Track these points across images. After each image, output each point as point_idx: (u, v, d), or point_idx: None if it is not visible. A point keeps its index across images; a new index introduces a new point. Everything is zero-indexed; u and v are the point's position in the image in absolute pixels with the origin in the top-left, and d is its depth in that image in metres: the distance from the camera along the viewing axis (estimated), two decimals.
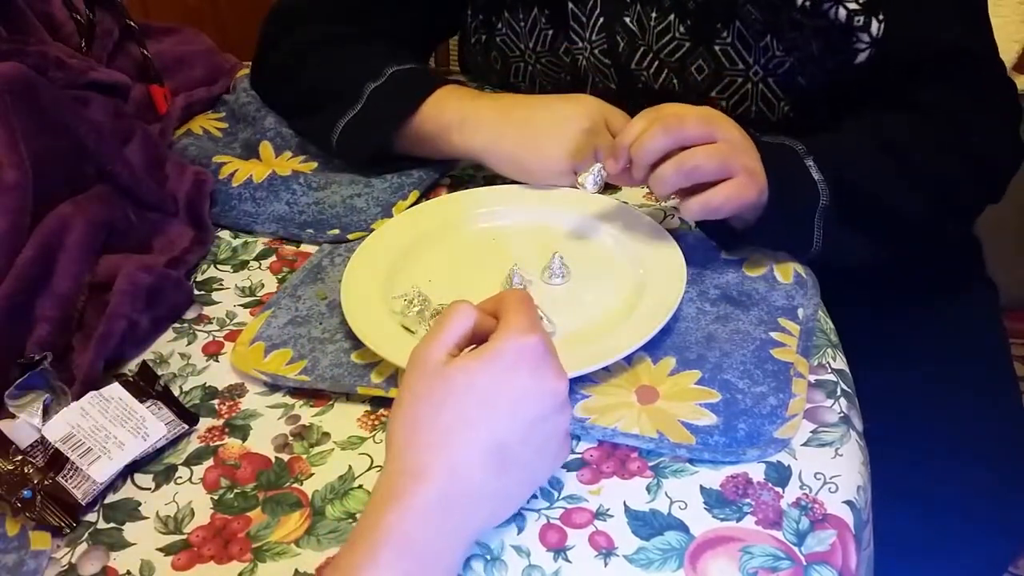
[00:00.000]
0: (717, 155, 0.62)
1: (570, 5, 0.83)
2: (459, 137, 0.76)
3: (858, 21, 0.70)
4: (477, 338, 0.49)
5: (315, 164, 0.82)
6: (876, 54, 0.71)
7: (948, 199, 0.72)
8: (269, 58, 0.88)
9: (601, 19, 0.83)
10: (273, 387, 0.62)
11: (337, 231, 0.76)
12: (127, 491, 0.55)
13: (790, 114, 0.80)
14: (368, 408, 0.60)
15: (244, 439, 0.58)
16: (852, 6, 0.69)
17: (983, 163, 0.73)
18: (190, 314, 0.70)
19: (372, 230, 0.74)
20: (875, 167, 0.69)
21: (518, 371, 0.46)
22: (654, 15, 0.80)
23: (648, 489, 0.52)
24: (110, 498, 0.55)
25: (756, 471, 0.53)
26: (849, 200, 0.67)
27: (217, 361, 0.65)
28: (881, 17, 0.69)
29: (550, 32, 0.88)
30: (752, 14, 0.75)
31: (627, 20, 0.82)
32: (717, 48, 0.78)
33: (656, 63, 0.83)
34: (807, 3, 0.70)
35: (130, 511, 0.54)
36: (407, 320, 0.63)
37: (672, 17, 0.79)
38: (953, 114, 0.71)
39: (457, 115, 0.76)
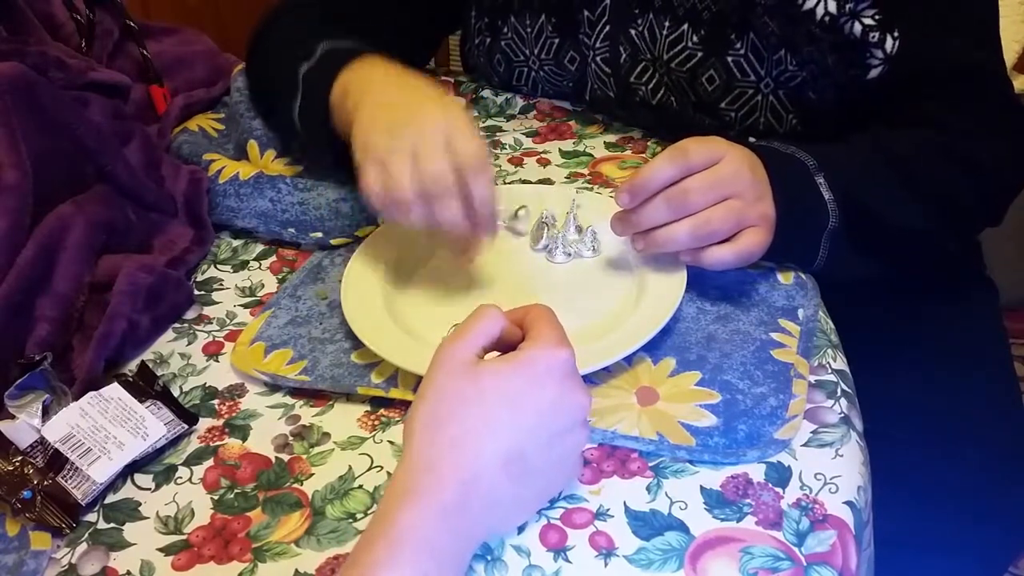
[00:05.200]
0: (733, 217, 0.61)
1: (584, 12, 0.83)
2: (350, 102, 0.67)
3: (873, 37, 0.69)
4: (499, 346, 0.49)
5: (300, 168, 0.81)
6: (888, 71, 0.71)
7: (952, 219, 0.72)
8: (250, 59, 0.87)
9: (608, 27, 0.83)
10: (273, 387, 0.62)
11: (320, 234, 0.74)
12: (127, 491, 0.55)
13: (798, 127, 0.80)
14: (368, 408, 0.60)
15: (244, 439, 0.58)
16: (868, 22, 0.69)
17: (988, 183, 0.73)
18: (190, 314, 0.70)
19: (356, 237, 0.73)
20: (883, 185, 0.68)
21: (548, 381, 0.46)
22: (667, 24, 0.79)
23: (648, 489, 0.52)
24: (110, 498, 0.54)
25: (756, 471, 0.53)
26: (857, 221, 0.66)
27: (217, 361, 0.65)
28: (896, 34, 0.69)
29: (556, 40, 0.88)
30: (768, 26, 0.74)
31: (632, 32, 0.82)
32: (729, 59, 0.78)
33: (656, 79, 0.83)
34: (826, 17, 0.70)
35: (130, 511, 0.53)
36: None
37: (685, 27, 0.79)
38: (961, 133, 0.71)
39: (354, 80, 0.69)
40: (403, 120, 0.62)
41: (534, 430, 0.45)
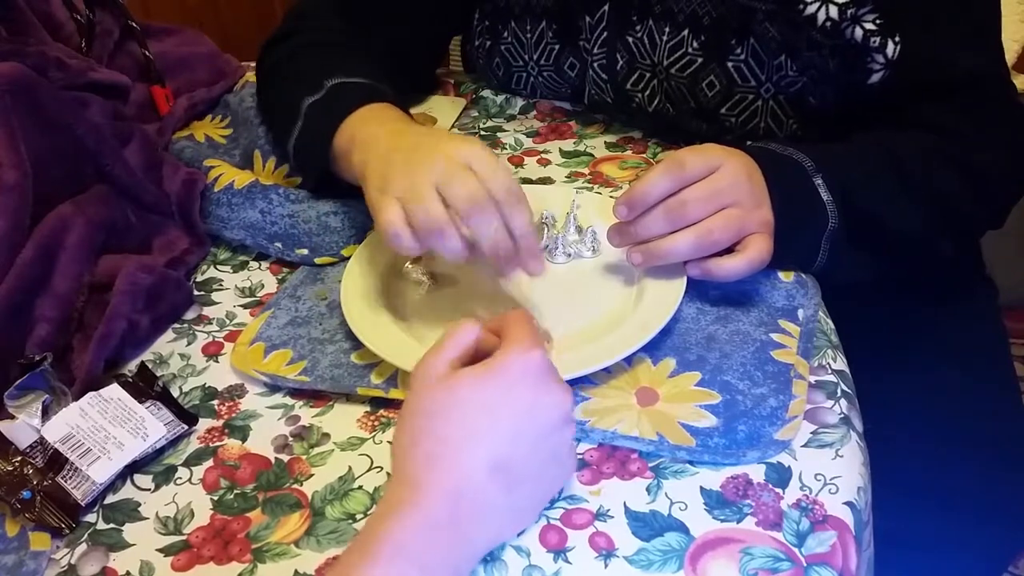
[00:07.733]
0: (734, 226, 0.61)
1: (585, 18, 0.83)
2: (357, 156, 0.66)
3: (874, 42, 0.69)
4: (480, 356, 0.49)
5: (299, 180, 0.81)
6: (889, 76, 0.71)
7: (951, 224, 0.72)
8: (262, 64, 0.87)
9: (605, 34, 0.83)
10: (273, 388, 0.62)
11: (306, 251, 0.73)
12: (127, 492, 0.55)
13: (798, 132, 0.80)
14: (368, 409, 0.60)
15: (244, 440, 0.58)
16: (869, 27, 0.69)
17: (989, 188, 0.73)
18: (190, 314, 0.70)
19: (342, 256, 0.72)
20: (883, 188, 0.68)
21: (522, 385, 0.46)
22: (667, 30, 0.79)
23: (648, 490, 0.52)
24: (110, 499, 0.54)
25: (756, 472, 0.53)
26: (857, 222, 0.66)
27: (217, 362, 0.65)
28: (897, 39, 0.69)
29: (556, 46, 0.88)
30: (769, 32, 0.74)
31: (630, 39, 0.82)
32: (730, 65, 0.78)
33: (652, 86, 0.83)
34: (827, 23, 0.70)
35: (130, 512, 0.54)
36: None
37: (686, 32, 0.79)
38: (962, 139, 0.71)
39: (360, 132, 0.68)
40: (421, 158, 0.59)
41: (515, 436, 0.45)
